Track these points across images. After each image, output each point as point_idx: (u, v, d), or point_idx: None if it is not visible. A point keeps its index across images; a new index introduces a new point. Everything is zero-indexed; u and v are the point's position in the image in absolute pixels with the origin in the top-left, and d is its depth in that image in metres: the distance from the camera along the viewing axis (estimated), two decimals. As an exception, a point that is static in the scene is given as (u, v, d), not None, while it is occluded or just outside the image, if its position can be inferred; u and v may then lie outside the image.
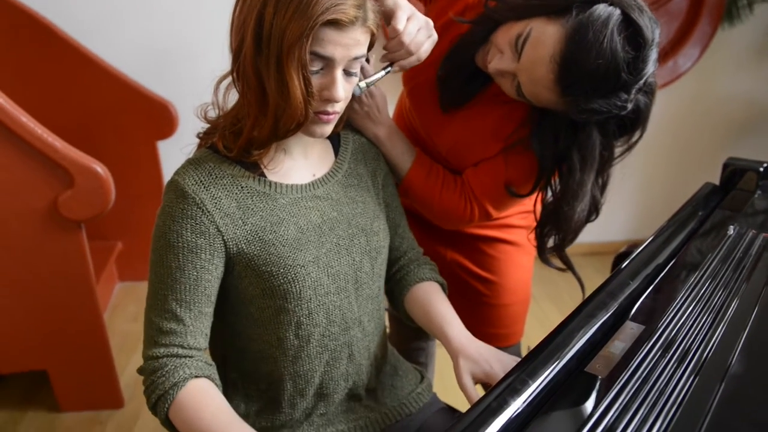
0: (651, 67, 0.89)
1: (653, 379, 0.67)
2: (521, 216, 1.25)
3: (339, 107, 0.84)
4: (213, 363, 0.87)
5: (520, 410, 0.64)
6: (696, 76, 2.66)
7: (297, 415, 0.95)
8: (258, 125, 0.82)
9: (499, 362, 0.89)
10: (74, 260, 1.68)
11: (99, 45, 2.30)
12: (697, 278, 0.88)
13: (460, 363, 0.90)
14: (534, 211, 1.13)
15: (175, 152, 2.49)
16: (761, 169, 1.20)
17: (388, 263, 1.06)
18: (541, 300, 2.56)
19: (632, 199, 2.97)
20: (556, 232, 1.08)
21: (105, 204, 1.60)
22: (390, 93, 1.09)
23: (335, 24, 0.75)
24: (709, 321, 0.79)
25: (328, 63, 0.78)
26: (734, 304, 0.82)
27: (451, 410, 1.17)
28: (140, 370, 0.85)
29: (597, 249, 2.93)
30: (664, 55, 2.62)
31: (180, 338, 0.83)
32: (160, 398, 0.80)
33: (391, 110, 1.11)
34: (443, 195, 1.09)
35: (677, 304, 0.82)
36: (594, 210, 1.06)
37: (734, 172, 1.21)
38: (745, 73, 2.75)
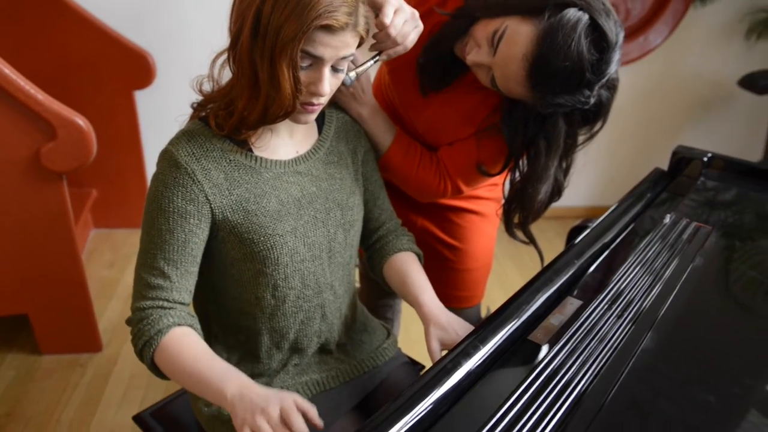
0: (613, 67, 0.97)
1: (582, 347, 0.78)
2: (488, 188, 1.33)
3: (324, 100, 0.90)
4: (195, 315, 0.94)
5: (471, 370, 0.74)
6: (665, 52, 2.73)
7: (274, 366, 1.04)
8: (249, 107, 0.87)
9: (465, 331, 0.97)
10: (55, 210, 1.71)
11: (76, -9, 2.27)
12: (633, 260, 1.00)
13: (430, 330, 0.98)
14: (502, 187, 1.21)
15: (151, 102, 2.52)
16: (705, 159, 1.31)
17: (368, 232, 1.14)
18: (502, 258, 2.68)
19: (595, 167, 3.08)
20: (520, 211, 1.18)
21: (86, 157, 1.63)
22: (371, 69, 1.14)
23: (327, 28, 0.80)
24: (648, 282, 0.91)
25: (317, 61, 0.84)
26: (663, 279, 0.94)
27: (413, 363, 1.28)
28: (128, 321, 0.91)
29: (559, 213, 3.04)
30: (635, 30, 2.67)
31: (166, 293, 0.89)
32: (145, 344, 0.87)
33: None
34: (419, 172, 1.17)
35: (614, 281, 0.93)
36: (557, 192, 1.15)
37: (681, 159, 1.32)
38: (713, 52, 2.83)
